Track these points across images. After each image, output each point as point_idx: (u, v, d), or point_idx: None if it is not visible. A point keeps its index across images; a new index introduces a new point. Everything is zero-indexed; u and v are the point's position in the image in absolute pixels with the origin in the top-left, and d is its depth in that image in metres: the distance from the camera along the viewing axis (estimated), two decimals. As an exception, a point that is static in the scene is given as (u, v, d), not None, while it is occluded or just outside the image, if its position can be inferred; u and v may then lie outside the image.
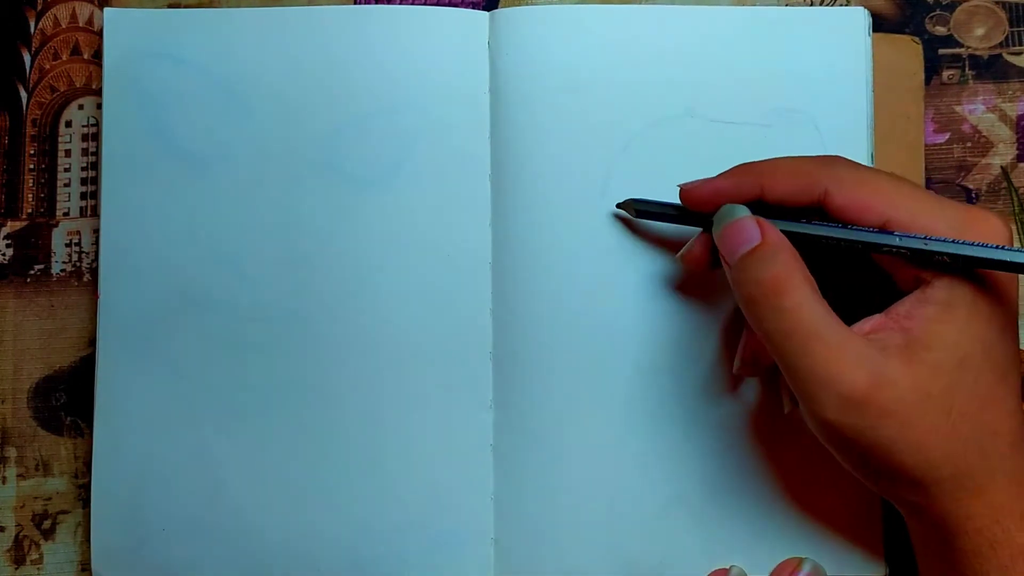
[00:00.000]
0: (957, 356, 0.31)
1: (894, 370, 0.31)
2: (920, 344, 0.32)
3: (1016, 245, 0.36)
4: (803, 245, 0.34)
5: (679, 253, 0.38)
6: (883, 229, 0.33)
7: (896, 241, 0.32)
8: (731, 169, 0.36)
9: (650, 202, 0.39)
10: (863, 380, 0.31)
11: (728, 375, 0.40)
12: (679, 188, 0.36)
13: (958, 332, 0.32)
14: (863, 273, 0.36)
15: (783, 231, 0.34)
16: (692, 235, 0.37)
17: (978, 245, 0.32)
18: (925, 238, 0.32)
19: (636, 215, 0.39)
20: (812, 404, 0.32)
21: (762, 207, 0.35)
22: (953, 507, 0.32)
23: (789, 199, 0.34)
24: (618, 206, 0.40)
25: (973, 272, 0.32)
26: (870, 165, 0.41)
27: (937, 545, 0.33)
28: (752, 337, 0.38)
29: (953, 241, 0.32)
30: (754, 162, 0.36)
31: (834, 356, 0.31)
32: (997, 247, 0.32)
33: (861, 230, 0.33)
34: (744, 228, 0.34)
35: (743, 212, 0.34)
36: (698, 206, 0.36)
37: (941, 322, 0.32)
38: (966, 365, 0.31)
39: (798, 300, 0.32)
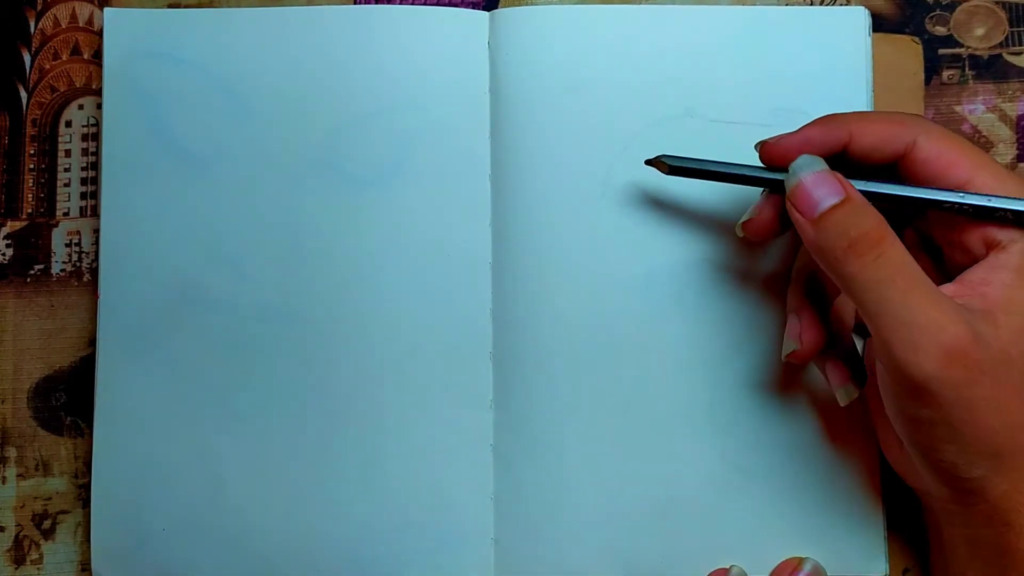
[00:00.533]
0: None
1: (985, 329, 0.31)
2: (1000, 308, 0.31)
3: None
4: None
5: (741, 221, 0.36)
6: (962, 189, 0.33)
7: (998, 203, 0.32)
8: (818, 119, 0.35)
9: (685, 158, 0.37)
10: (965, 333, 0.30)
11: (728, 376, 0.40)
12: (759, 145, 0.35)
13: None
14: (918, 250, 0.36)
15: (868, 191, 0.34)
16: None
17: None
18: (1004, 198, 0.32)
19: (669, 172, 0.37)
20: (910, 354, 0.30)
21: (840, 164, 0.34)
22: (1016, 485, 0.31)
23: (877, 150, 0.34)
24: (647, 162, 0.38)
25: None
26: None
27: (989, 530, 0.32)
28: (812, 315, 0.37)
29: None
30: (839, 113, 0.35)
31: (936, 305, 0.30)
32: None
33: (961, 192, 0.33)
34: (826, 181, 0.33)
35: (822, 164, 0.33)
36: (784, 161, 0.34)
37: (1018, 287, 0.32)
38: None
39: (900, 250, 0.31)
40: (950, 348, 0.30)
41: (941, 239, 0.35)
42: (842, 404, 0.37)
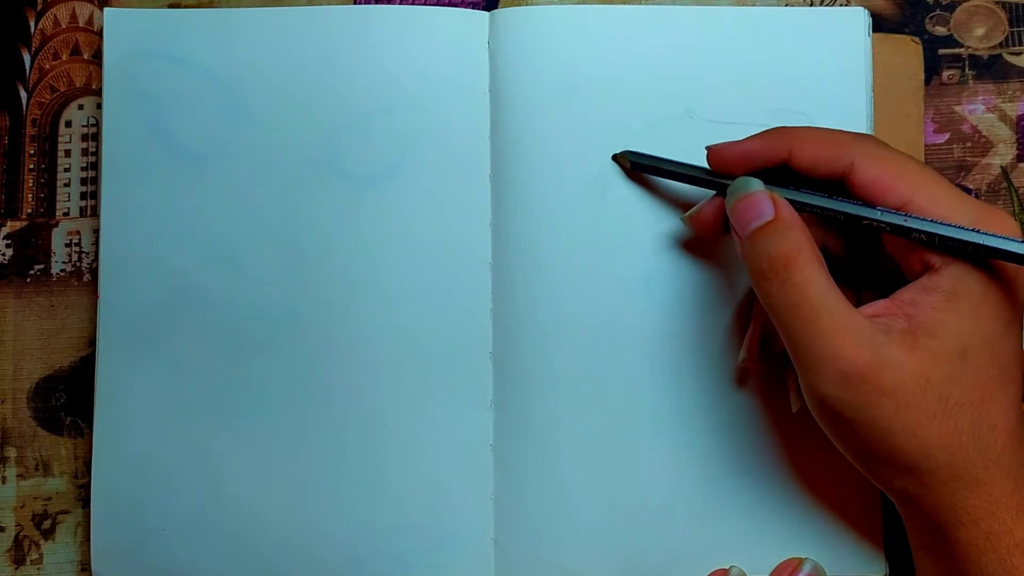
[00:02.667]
0: (959, 346, 0.32)
1: (895, 352, 0.31)
2: (923, 331, 0.32)
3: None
4: (818, 220, 0.34)
5: (687, 213, 0.38)
6: (901, 211, 0.33)
7: (914, 224, 0.33)
8: (763, 132, 0.36)
9: (646, 155, 0.39)
10: (864, 358, 0.31)
11: (728, 376, 0.40)
12: (707, 149, 0.37)
13: (961, 322, 0.32)
14: (871, 257, 0.36)
15: (801, 201, 0.34)
16: (691, 199, 0.38)
17: (995, 236, 0.32)
18: (941, 223, 0.32)
19: (631, 167, 0.39)
20: (811, 377, 0.32)
21: (785, 175, 0.35)
22: (948, 498, 0.32)
23: (816, 167, 0.34)
24: (613, 158, 0.40)
25: (984, 263, 0.32)
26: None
27: (932, 538, 0.33)
28: (759, 328, 0.38)
29: (971, 229, 0.32)
30: (787, 127, 0.36)
31: (837, 332, 0.31)
32: (1013, 239, 0.32)
33: (881, 209, 0.33)
34: (758, 202, 0.34)
35: (757, 186, 0.34)
36: (726, 168, 0.36)
37: (945, 311, 0.32)
38: (967, 356, 0.32)
39: (807, 275, 0.32)
40: (847, 371, 0.31)
41: (893, 252, 0.35)
42: (793, 410, 0.38)
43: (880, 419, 0.31)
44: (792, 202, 0.34)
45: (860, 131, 0.40)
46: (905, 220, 0.33)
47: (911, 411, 0.31)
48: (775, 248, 0.33)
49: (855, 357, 0.31)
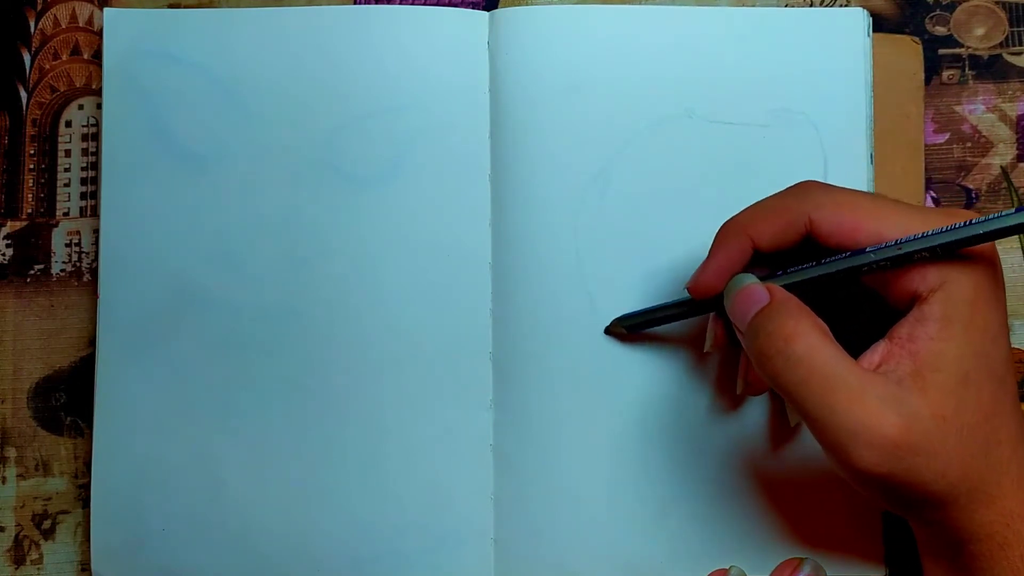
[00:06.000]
0: (961, 373, 0.31)
1: (914, 402, 0.31)
2: (928, 367, 0.31)
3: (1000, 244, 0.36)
4: (808, 292, 0.34)
5: (706, 347, 0.38)
6: (875, 246, 0.33)
7: (913, 246, 0.32)
8: (716, 237, 0.36)
9: (634, 314, 0.39)
10: (894, 423, 0.30)
11: (728, 375, 0.40)
12: (687, 289, 0.36)
13: (959, 347, 0.32)
14: (863, 301, 0.36)
15: (797, 281, 0.34)
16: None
17: (952, 228, 0.31)
18: (897, 243, 0.32)
19: (628, 331, 0.39)
20: (843, 454, 0.31)
21: (762, 261, 0.35)
22: (966, 518, 0.32)
23: (781, 240, 0.34)
24: (606, 331, 0.40)
25: (962, 264, 0.32)
26: (869, 168, 0.41)
27: (946, 550, 0.33)
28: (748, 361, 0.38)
29: (924, 235, 0.32)
30: (733, 218, 0.35)
31: (858, 403, 0.30)
32: (971, 222, 0.31)
33: (871, 249, 0.33)
34: (752, 293, 0.34)
35: (749, 279, 0.34)
36: (711, 292, 0.36)
37: (942, 340, 0.32)
38: (969, 380, 0.31)
39: (809, 344, 0.31)
40: (881, 444, 0.30)
41: (877, 288, 0.34)
42: (792, 424, 0.39)
43: (914, 474, 0.31)
44: (788, 287, 0.34)
45: (860, 131, 0.41)
46: (900, 248, 0.32)
47: (938, 458, 0.31)
48: (773, 326, 0.32)
49: (883, 425, 0.30)
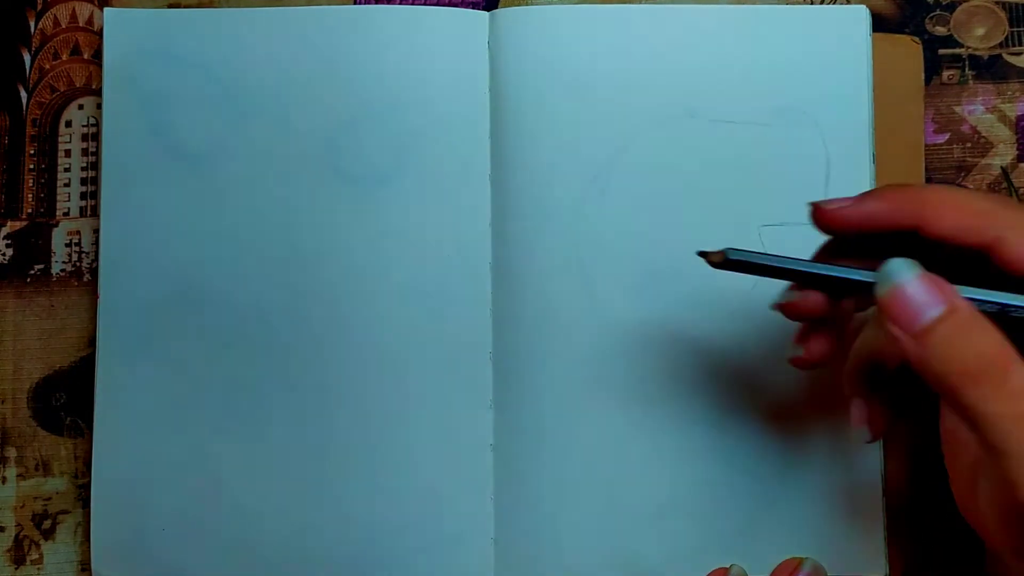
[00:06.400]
0: None
1: None
2: None
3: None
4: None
5: (777, 302, 0.33)
6: None
7: None
8: (884, 190, 0.31)
9: (743, 251, 0.31)
10: None
11: (729, 375, 0.40)
12: (811, 206, 0.32)
13: None
14: None
15: (979, 299, 0.30)
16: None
17: None
18: None
19: (723, 263, 0.32)
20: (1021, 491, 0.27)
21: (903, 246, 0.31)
22: None
23: (953, 238, 0.30)
24: (700, 254, 0.32)
25: None
26: (871, 166, 0.41)
27: None
28: (875, 406, 0.34)
29: None
30: (915, 187, 0.32)
31: None
32: None
33: None
34: (924, 290, 0.28)
35: (918, 269, 0.29)
36: (842, 229, 0.31)
37: None
38: None
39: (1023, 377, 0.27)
40: None
41: None
42: (854, 443, 0.36)
43: None
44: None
45: (860, 130, 0.40)
46: None
47: None
48: (976, 346, 0.28)
49: None
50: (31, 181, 0.43)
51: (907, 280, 0.29)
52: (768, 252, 0.32)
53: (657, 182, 0.40)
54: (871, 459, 0.40)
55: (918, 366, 0.28)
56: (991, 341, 0.28)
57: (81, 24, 0.44)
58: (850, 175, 0.40)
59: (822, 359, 0.34)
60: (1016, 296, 0.29)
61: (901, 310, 0.29)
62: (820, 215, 0.31)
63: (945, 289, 0.28)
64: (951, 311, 0.28)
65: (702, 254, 0.32)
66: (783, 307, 0.33)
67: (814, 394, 0.40)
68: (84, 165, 0.43)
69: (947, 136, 0.43)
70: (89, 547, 0.40)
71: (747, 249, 0.31)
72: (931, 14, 0.44)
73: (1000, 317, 0.29)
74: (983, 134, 0.43)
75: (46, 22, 0.44)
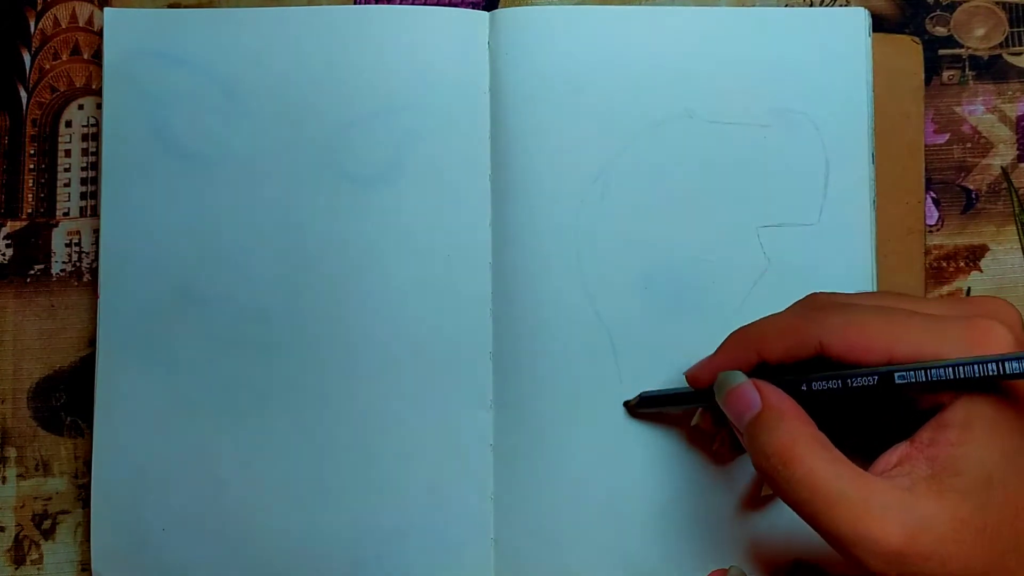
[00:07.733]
0: (983, 474, 0.31)
1: (926, 508, 0.30)
2: (946, 471, 0.31)
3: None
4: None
5: (693, 421, 0.39)
6: (888, 364, 0.32)
7: (901, 380, 0.32)
8: (725, 342, 0.36)
9: (650, 395, 0.39)
10: (896, 534, 0.30)
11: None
12: (685, 375, 0.38)
13: (980, 450, 0.31)
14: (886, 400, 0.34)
15: (823, 389, 0.34)
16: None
17: (984, 362, 0.30)
18: (928, 369, 0.31)
19: (638, 405, 0.39)
20: (855, 563, 0.31)
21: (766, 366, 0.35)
22: None
23: (791, 357, 0.34)
24: (625, 404, 0.40)
25: (992, 385, 0.31)
26: (870, 168, 0.41)
27: None
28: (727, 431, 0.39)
29: (957, 365, 0.31)
30: (745, 328, 0.36)
31: (860, 515, 0.30)
32: (1006, 359, 0.30)
33: (863, 375, 0.32)
34: (743, 394, 0.34)
35: (740, 379, 0.35)
36: (704, 384, 0.37)
37: (963, 444, 0.31)
38: (993, 481, 0.31)
39: (808, 466, 0.31)
40: (883, 553, 0.30)
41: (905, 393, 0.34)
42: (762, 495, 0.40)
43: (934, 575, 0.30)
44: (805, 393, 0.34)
45: (860, 131, 0.41)
46: (928, 378, 0.31)
47: (955, 559, 0.30)
48: (769, 443, 0.32)
49: (886, 536, 0.30)
50: (31, 181, 0.43)
51: (731, 387, 0.35)
52: (663, 391, 0.39)
53: (657, 183, 0.40)
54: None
55: (748, 450, 0.34)
56: (784, 434, 0.32)
57: (81, 24, 0.44)
58: (849, 177, 0.40)
59: (735, 455, 0.40)
60: (838, 372, 0.33)
61: (732, 412, 0.34)
62: (689, 379, 0.38)
63: (764, 390, 0.34)
64: (764, 408, 0.33)
65: (626, 405, 0.40)
66: (697, 427, 0.39)
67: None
68: (84, 165, 0.43)
69: (947, 136, 0.43)
70: (89, 547, 0.40)
71: (651, 393, 0.39)
72: (931, 14, 0.44)
73: (846, 390, 0.33)
74: (983, 134, 0.43)
75: (46, 22, 0.44)
